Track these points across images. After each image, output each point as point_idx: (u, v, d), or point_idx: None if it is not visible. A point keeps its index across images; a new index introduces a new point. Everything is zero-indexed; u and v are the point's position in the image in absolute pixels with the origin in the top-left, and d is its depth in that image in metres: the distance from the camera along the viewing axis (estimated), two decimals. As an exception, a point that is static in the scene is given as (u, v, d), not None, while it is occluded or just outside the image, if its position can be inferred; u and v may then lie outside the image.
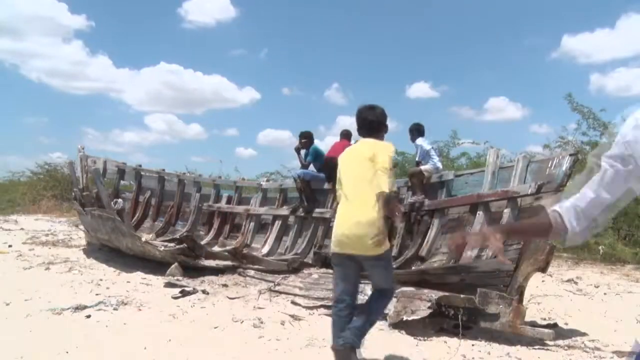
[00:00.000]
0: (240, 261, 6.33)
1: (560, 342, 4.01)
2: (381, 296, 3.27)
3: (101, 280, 5.75)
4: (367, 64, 37.24)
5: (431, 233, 5.73)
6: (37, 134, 34.20)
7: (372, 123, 3.15)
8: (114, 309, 4.56)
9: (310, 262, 6.05)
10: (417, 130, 6.34)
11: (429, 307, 4.10)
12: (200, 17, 38.60)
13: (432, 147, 6.37)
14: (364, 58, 36.99)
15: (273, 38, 37.54)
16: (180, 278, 5.92)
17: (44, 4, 33.40)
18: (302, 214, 7.24)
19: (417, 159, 6.25)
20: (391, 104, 35.23)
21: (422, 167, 6.07)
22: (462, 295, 4.13)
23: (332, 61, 36.99)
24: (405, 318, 4.13)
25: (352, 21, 36.60)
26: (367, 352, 3.67)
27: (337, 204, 3.24)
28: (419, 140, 6.24)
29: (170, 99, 35.77)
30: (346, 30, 37.01)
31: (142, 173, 9.53)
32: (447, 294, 4.20)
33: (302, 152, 7.46)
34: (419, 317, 4.10)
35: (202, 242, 7.12)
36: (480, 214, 5.08)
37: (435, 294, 4.21)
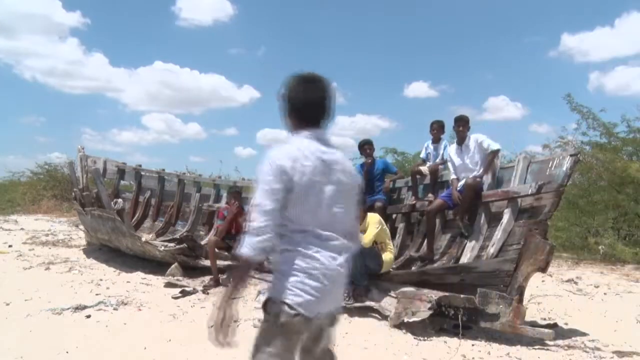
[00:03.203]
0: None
1: (560, 342, 4.01)
2: None
3: (101, 280, 5.75)
4: (366, 64, 37.29)
5: (431, 233, 5.72)
6: (34, 134, 34.18)
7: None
8: (114, 309, 4.56)
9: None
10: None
11: (429, 309, 4.10)
12: (195, 15, 38.58)
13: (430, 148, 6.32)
14: (362, 57, 37.03)
15: (271, 36, 37.57)
16: (180, 278, 5.92)
17: (37, 1, 33.28)
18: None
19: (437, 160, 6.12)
20: (389, 104, 35.25)
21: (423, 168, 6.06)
22: (462, 295, 4.13)
23: (331, 60, 37.00)
24: (406, 320, 4.13)
25: (351, 20, 36.61)
26: (368, 352, 3.68)
27: None
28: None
29: (168, 98, 35.79)
30: (344, 29, 37.04)
31: (142, 173, 9.52)
32: (447, 294, 4.20)
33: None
34: (420, 318, 4.10)
35: (202, 242, 7.11)
36: (481, 214, 5.08)
37: (435, 294, 4.21)
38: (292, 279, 1.66)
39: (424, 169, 6.08)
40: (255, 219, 1.61)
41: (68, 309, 4.45)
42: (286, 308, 1.64)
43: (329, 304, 1.75)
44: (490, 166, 5.09)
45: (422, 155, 6.38)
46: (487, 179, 5.19)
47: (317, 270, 1.67)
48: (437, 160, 6.05)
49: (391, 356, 3.59)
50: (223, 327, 1.73)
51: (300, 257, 1.67)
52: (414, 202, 5.98)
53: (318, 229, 1.69)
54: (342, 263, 1.74)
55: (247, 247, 1.60)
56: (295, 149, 1.67)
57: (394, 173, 6.70)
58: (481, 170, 5.05)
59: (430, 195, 5.84)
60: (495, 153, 5.06)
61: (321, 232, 1.70)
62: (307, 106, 1.73)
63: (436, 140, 6.14)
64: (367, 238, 4.63)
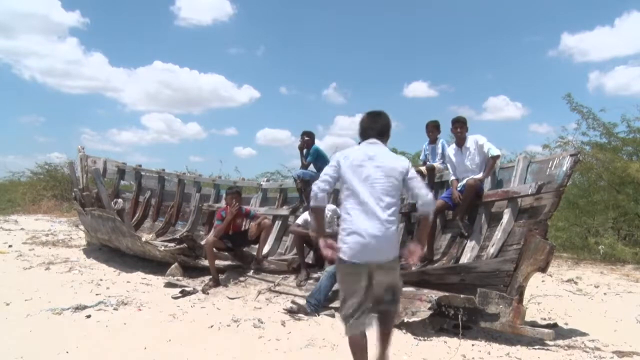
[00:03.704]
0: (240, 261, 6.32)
1: (560, 342, 4.01)
2: None
3: (101, 280, 5.75)
4: (365, 64, 37.28)
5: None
6: (33, 134, 34.14)
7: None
8: (114, 309, 4.57)
9: (310, 262, 6.04)
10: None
11: (429, 309, 4.10)
12: (194, 15, 38.56)
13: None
14: (362, 57, 37.03)
15: (270, 36, 37.54)
16: (180, 278, 5.92)
17: (36, 0, 33.18)
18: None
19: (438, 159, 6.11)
20: (389, 104, 35.27)
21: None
22: (462, 295, 4.13)
23: (330, 60, 37.04)
24: (406, 320, 4.13)
25: (350, 20, 36.62)
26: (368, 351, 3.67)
27: None
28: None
29: (168, 98, 35.78)
30: (344, 29, 37.04)
31: (142, 173, 9.53)
32: (447, 294, 4.20)
33: (304, 151, 7.41)
34: (420, 318, 4.11)
35: (202, 242, 7.11)
36: (481, 214, 5.08)
37: (435, 295, 4.21)
38: (339, 237, 2.66)
39: (424, 169, 6.08)
40: (315, 183, 2.73)
41: (68, 309, 4.45)
42: (338, 261, 2.66)
43: (366, 254, 2.58)
44: (491, 171, 5.11)
45: (421, 157, 6.39)
46: (487, 179, 5.20)
47: (350, 230, 2.60)
48: (437, 160, 6.04)
49: (391, 356, 3.58)
50: (328, 246, 2.68)
51: (343, 222, 2.68)
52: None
53: (359, 196, 2.62)
54: (375, 223, 2.58)
55: (310, 200, 2.74)
56: (350, 149, 2.82)
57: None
58: (482, 174, 5.05)
59: None
60: (495, 159, 5.07)
61: (361, 198, 2.62)
62: (365, 130, 2.85)
63: (433, 141, 6.14)
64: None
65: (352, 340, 2.67)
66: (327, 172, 2.71)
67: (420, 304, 4.21)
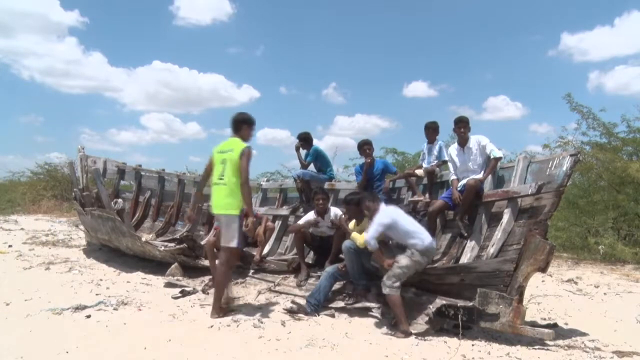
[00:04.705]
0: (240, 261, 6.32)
1: (560, 342, 4.01)
2: None
3: (101, 280, 5.75)
4: (365, 64, 37.31)
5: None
6: (32, 134, 34.15)
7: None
8: (114, 309, 4.57)
9: (310, 262, 6.04)
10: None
11: (426, 322, 4.23)
12: (193, 14, 38.60)
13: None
14: (362, 57, 37.08)
15: (270, 36, 37.57)
16: (180, 278, 5.92)
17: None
18: (302, 214, 7.23)
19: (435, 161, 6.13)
20: (389, 103, 35.27)
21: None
22: (460, 303, 4.16)
23: (330, 61, 37.08)
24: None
25: (350, 20, 36.65)
26: (368, 351, 3.68)
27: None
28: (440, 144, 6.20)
29: (167, 98, 35.83)
30: (344, 29, 37.07)
31: (142, 173, 9.52)
32: (444, 302, 4.25)
33: (302, 152, 7.43)
34: (417, 331, 4.18)
35: (202, 242, 7.11)
36: (481, 214, 5.08)
37: (433, 306, 4.27)
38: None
39: (419, 171, 6.11)
40: (369, 236, 4.34)
41: (68, 309, 4.45)
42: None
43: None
44: (492, 172, 5.12)
45: (421, 157, 6.42)
46: (487, 179, 5.20)
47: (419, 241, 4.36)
48: (433, 161, 6.06)
49: (391, 356, 3.60)
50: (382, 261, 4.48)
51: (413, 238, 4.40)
52: (420, 199, 5.97)
53: (408, 231, 4.40)
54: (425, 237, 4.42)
55: (368, 241, 4.35)
56: (386, 211, 4.49)
57: (394, 173, 6.70)
58: (482, 174, 5.06)
59: (426, 195, 5.86)
60: (497, 160, 5.08)
61: (409, 231, 4.41)
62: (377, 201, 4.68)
63: (431, 141, 6.16)
64: (363, 238, 4.62)
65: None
66: (376, 233, 4.32)
67: (418, 315, 4.30)
